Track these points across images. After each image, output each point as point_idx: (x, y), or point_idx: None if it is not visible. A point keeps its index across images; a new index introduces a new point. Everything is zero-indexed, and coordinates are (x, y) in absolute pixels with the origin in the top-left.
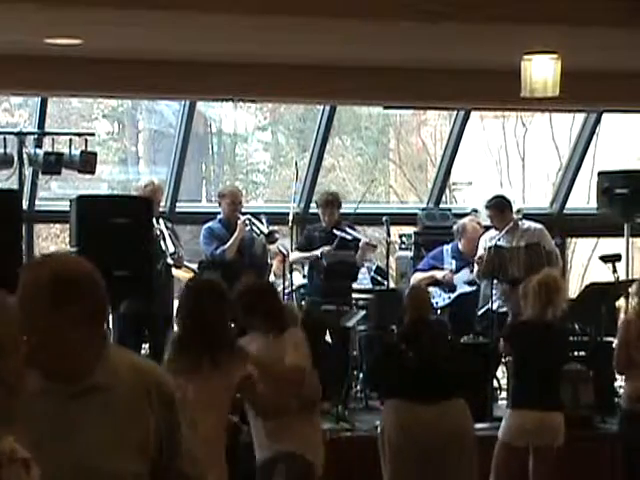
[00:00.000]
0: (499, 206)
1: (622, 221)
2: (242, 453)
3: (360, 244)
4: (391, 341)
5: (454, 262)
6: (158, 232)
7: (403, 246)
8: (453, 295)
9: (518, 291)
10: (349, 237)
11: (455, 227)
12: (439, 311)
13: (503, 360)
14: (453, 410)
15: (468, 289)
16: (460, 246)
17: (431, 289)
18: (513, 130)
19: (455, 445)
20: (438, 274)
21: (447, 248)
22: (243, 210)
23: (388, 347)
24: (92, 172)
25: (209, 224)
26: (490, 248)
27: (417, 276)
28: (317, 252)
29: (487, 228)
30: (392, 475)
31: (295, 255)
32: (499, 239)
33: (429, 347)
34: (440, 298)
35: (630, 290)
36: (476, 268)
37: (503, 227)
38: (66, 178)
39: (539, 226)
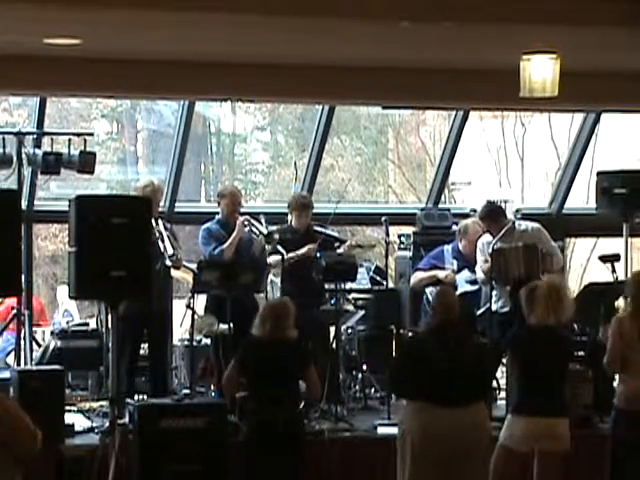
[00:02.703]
0: (492, 215)
1: (621, 221)
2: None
3: (346, 245)
4: (416, 342)
5: (455, 262)
6: (157, 233)
7: (402, 246)
8: (456, 294)
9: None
10: (330, 238)
11: (457, 227)
12: None
13: (503, 360)
14: (476, 414)
15: (470, 288)
16: (461, 247)
17: (431, 289)
18: (512, 130)
19: (478, 449)
20: (440, 273)
21: (448, 248)
22: (242, 210)
23: (413, 348)
24: (91, 172)
25: (207, 225)
26: (491, 254)
27: (418, 275)
28: (303, 250)
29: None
30: (412, 477)
31: (275, 258)
32: (496, 243)
33: (456, 350)
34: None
35: (626, 289)
36: (481, 275)
37: (498, 232)
38: (65, 178)
39: (536, 225)
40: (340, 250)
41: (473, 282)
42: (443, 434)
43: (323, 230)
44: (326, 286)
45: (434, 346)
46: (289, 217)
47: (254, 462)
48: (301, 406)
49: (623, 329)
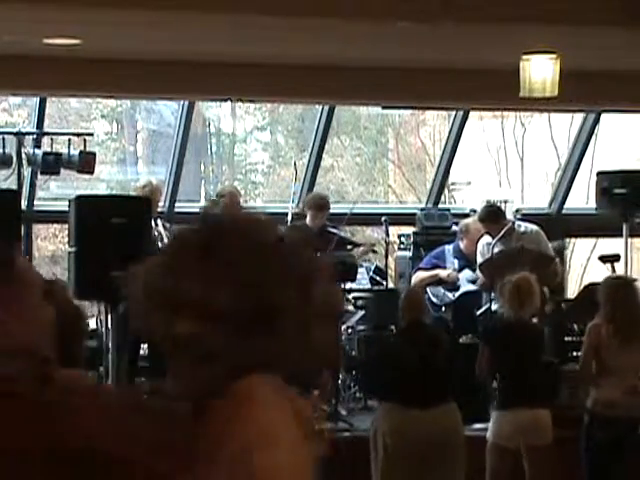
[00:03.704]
0: (491, 217)
1: (621, 221)
2: None
3: (360, 249)
4: (387, 343)
5: (456, 262)
6: (156, 233)
7: (402, 246)
8: (457, 293)
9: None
10: (344, 240)
11: (458, 227)
12: (443, 309)
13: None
14: (447, 414)
15: (472, 287)
16: (462, 246)
17: (432, 288)
18: (512, 130)
19: (449, 448)
20: (442, 272)
21: (449, 248)
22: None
23: (384, 349)
24: (91, 172)
25: None
26: (488, 260)
27: (419, 275)
28: None
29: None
30: (384, 477)
31: None
32: (495, 244)
33: (426, 350)
34: (444, 296)
35: (600, 294)
36: (480, 281)
37: (498, 233)
38: (65, 178)
39: (535, 228)
40: (354, 254)
41: (474, 281)
42: (415, 434)
43: (337, 232)
44: None
45: (405, 347)
46: (289, 217)
47: None
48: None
49: (598, 336)
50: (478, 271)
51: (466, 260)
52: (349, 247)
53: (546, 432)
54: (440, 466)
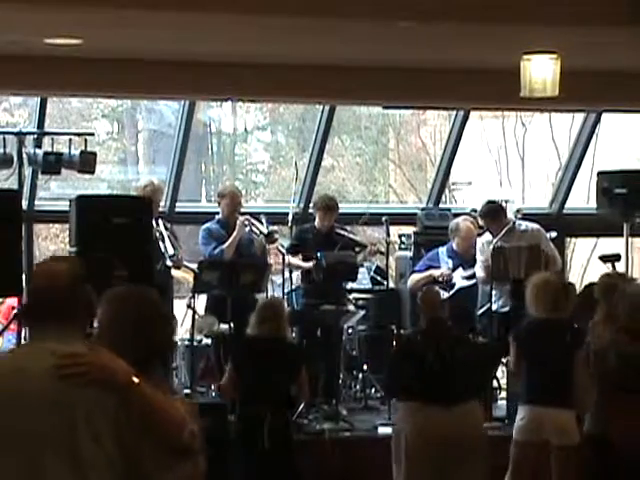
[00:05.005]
0: (492, 214)
1: (621, 221)
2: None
3: (368, 250)
4: (409, 342)
5: (451, 262)
6: (158, 233)
7: (402, 246)
8: (452, 290)
9: (523, 290)
10: (351, 242)
11: (449, 227)
12: None
13: (503, 360)
14: (470, 413)
15: (466, 283)
16: (454, 245)
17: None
18: (513, 130)
19: (472, 448)
20: (435, 272)
21: (442, 250)
22: (243, 210)
23: (406, 348)
24: (92, 172)
25: (207, 225)
26: (492, 253)
27: (414, 277)
28: (306, 265)
29: (481, 228)
30: (406, 476)
31: (293, 261)
32: (496, 242)
33: (448, 349)
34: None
35: (596, 292)
36: (480, 274)
37: (499, 232)
38: (66, 178)
39: (536, 226)
40: (360, 256)
41: (469, 277)
42: (437, 434)
43: (345, 233)
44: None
45: (425, 346)
46: (289, 217)
47: (243, 459)
48: (301, 406)
49: (597, 334)
50: (477, 266)
51: (460, 259)
52: (357, 249)
53: (570, 434)
54: (462, 465)
